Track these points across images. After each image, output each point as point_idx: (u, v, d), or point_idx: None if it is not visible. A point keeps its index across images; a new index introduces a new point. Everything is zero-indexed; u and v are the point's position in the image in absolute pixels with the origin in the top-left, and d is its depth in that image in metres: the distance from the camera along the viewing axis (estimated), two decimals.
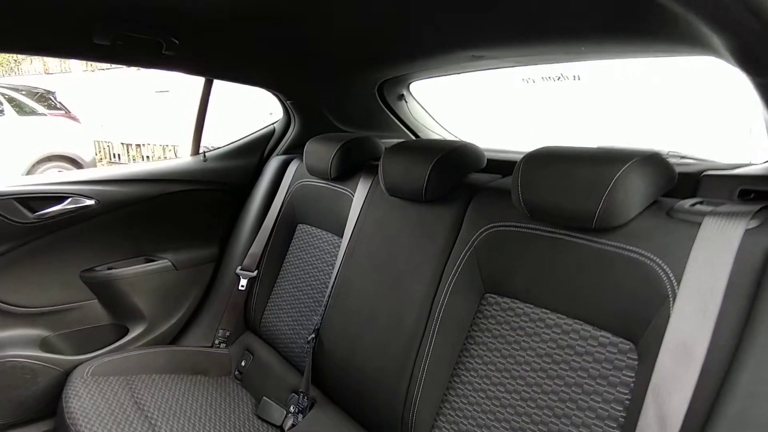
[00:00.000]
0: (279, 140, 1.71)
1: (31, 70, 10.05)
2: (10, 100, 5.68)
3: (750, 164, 0.97)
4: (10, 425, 1.31)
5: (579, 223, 0.78)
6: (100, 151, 8.51)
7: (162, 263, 1.51)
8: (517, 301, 0.89)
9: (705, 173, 0.86)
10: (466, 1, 0.88)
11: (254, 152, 1.69)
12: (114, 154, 8.74)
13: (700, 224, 0.69)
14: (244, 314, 1.54)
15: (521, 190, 0.83)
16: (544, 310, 0.85)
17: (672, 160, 1.05)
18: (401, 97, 1.72)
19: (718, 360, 0.61)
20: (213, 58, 1.36)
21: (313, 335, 1.24)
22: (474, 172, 1.13)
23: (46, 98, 6.08)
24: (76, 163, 6.01)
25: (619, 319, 0.75)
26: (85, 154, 6.14)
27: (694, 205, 0.74)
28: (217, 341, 1.52)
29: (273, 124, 1.74)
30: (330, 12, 1.02)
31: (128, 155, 8.55)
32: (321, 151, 1.36)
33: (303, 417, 1.18)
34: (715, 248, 0.65)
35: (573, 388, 0.78)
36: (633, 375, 0.72)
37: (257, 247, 1.52)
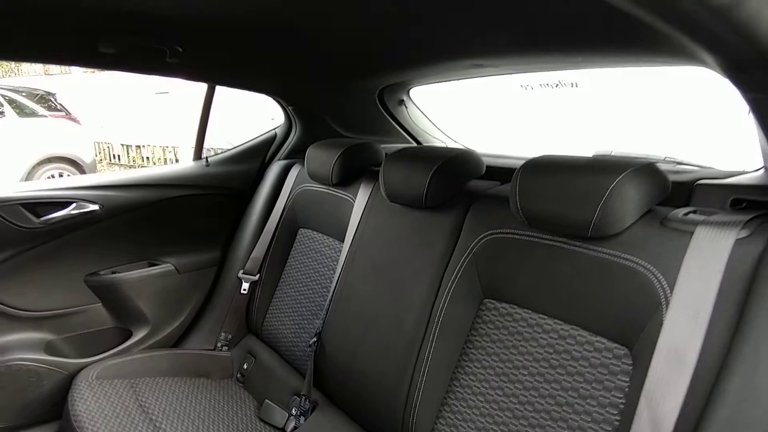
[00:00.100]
0: (280, 145, 1.73)
1: (31, 71, 10.06)
2: (11, 102, 5.70)
3: (743, 172, 1.00)
4: (15, 428, 1.33)
5: (575, 232, 0.80)
6: (100, 152, 8.52)
7: (165, 267, 1.53)
8: (516, 307, 0.91)
9: (698, 182, 0.88)
10: (466, 11, 0.90)
11: (256, 157, 1.71)
12: (114, 155, 8.75)
13: (692, 233, 0.71)
14: (246, 317, 1.56)
15: (519, 199, 0.85)
16: (541, 315, 0.87)
17: (666, 167, 1.07)
18: (401, 102, 1.74)
19: (708, 366, 0.63)
20: (215, 65, 1.38)
21: (314, 339, 1.26)
22: (473, 179, 1.14)
23: (46, 100, 6.10)
24: (76, 164, 6.03)
25: (614, 325, 0.77)
26: (85, 156, 6.16)
27: (687, 214, 0.76)
28: (219, 344, 1.54)
29: (274, 129, 1.76)
30: (330, 20, 1.04)
31: (128, 156, 8.56)
32: (322, 157, 1.38)
33: (305, 420, 1.20)
34: (707, 257, 0.67)
35: (569, 392, 0.80)
36: (627, 380, 0.74)
37: (259, 251, 1.54)
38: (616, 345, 0.77)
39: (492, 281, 0.95)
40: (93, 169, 6.32)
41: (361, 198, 1.30)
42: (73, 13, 0.96)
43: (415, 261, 1.08)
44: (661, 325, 0.69)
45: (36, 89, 6.21)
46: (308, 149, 1.43)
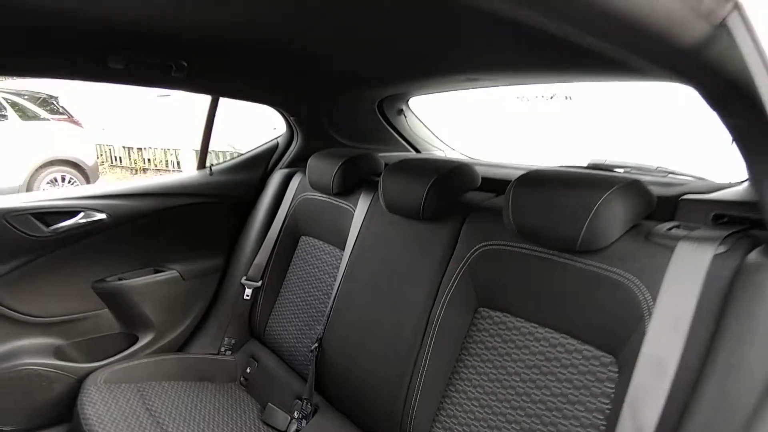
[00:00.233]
0: (282, 154, 1.77)
1: None
2: (13, 105, 5.75)
3: (729, 185, 1.04)
4: (25, 430, 1.36)
5: (564, 245, 0.84)
6: (101, 155, 8.56)
7: (170, 274, 1.57)
8: (509, 316, 0.95)
9: (683, 197, 0.92)
10: (461, 34, 0.94)
11: (258, 166, 1.75)
12: (115, 158, 8.80)
13: (674, 248, 0.75)
14: (249, 323, 1.60)
15: (512, 212, 0.89)
16: (533, 324, 0.91)
17: (654, 178, 1.12)
18: (401, 112, 1.79)
19: (687, 374, 0.67)
20: (219, 78, 1.43)
21: (316, 344, 1.30)
22: (469, 191, 1.18)
23: (48, 103, 6.15)
24: (78, 167, 6.08)
25: (601, 335, 0.81)
26: (87, 158, 6.21)
27: (670, 229, 0.80)
28: (223, 349, 1.58)
29: (276, 138, 1.80)
30: (331, 36, 1.08)
31: (129, 159, 8.61)
32: (323, 167, 1.42)
33: (307, 423, 1.24)
34: (687, 271, 0.71)
35: (559, 398, 0.84)
36: (613, 387, 0.78)
37: (262, 258, 1.58)
38: (603, 353, 0.81)
39: (486, 291, 0.99)
40: (95, 171, 6.36)
41: (361, 207, 1.34)
42: (87, 31, 1.00)
43: (413, 270, 1.12)
44: (644, 335, 0.73)
45: (38, 92, 6.25)
46: (309, 159, 1.47)
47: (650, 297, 0.74)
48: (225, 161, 1.75)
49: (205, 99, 1.64)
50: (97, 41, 1.06)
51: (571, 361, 0.84)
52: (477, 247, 1.01)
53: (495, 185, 1.20)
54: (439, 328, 1.03)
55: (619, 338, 0.78)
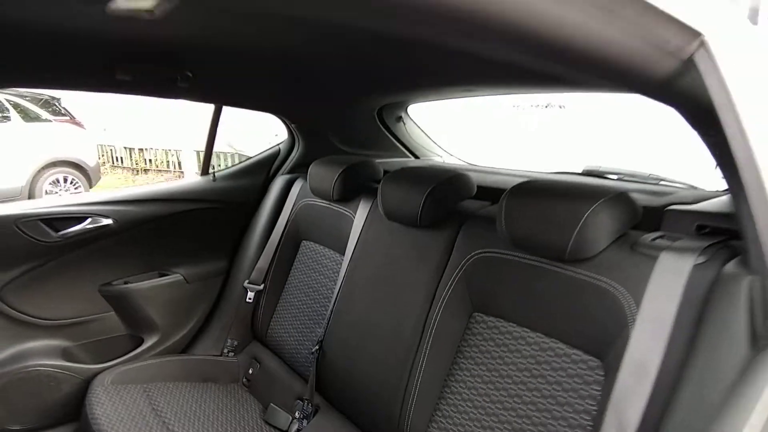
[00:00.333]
0: (284, 160, 1.81)
1: None
2: (16, 106, 5.79)
3: (715, 193, 1.08)
4: (34, 429, 1.41)
5: (554, 254, 0.88)
6: (103, 155, 8.60)
7: (174, 277, 1.61)
8: (502, 320, 0.99)
9: (668, 208, 0.96)
10: (456, 50, 0.98)
11: (260, 172, 1.79)
12: (116, 158, 8.84)
13: (657, 258, 0.79)
14: (251, 325, 1.64)
15: (505, 222, 0.93)
16: (524, 329, 0.95)
17: (643, 187, 1.16)
18: (400, 119, 1.83)
19: (667, 378, 0.71)
20: (222, 88, 1.47)
21: (317, 346, 1.34)
22: (465, 199, 1.22)
23: (50, 104, 6.19)
24: (80, 168, 6.12)
25: (588, 339, 0.85)
26: (89, 159, 6.25)
27: (654, 239, 0.84)
28: (225, 350, 1.62)
29: (278, 145, 1.84)
30: (331, 47, 1.12)
31: (131, 159, 8.64)
32: (324, 174, 1.46)
33: (308, 423, 1.28)
34: (668, 280, 0.75)
35: (548, 400, 0.88)
36: (600, 389, 0.82)
37: (264, 261, 1.62)
38: (590, 357, 0.85)
39: (481, 296, 1.03)
40: (96, 172, 6.41)
41: (360, 214, 1.38)
42: (97, 47, 1.05)
43: (411, 276, 1.16)
44: (628, 340, 0.77)
45: (40, 94, 6.29)
46: (310, 166, 1.51)
47: (634, 304, 0.79)
48: (228, 167, 1.79)
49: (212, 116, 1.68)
50: (106, 56, 1.11)
51: (560, 365, 0.88)
52: (472, 254, 1.05)
53: (490, 193, 1.24)
54: (436, 332, 1.07)
55: (605, 343, 0.82)
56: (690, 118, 0.67)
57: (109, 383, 1.35)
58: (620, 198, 0.87)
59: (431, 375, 1.06)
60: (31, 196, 5.62)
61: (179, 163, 8.08)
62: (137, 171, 8.57)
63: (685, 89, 0.53)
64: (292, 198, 1.64)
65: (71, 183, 6.04)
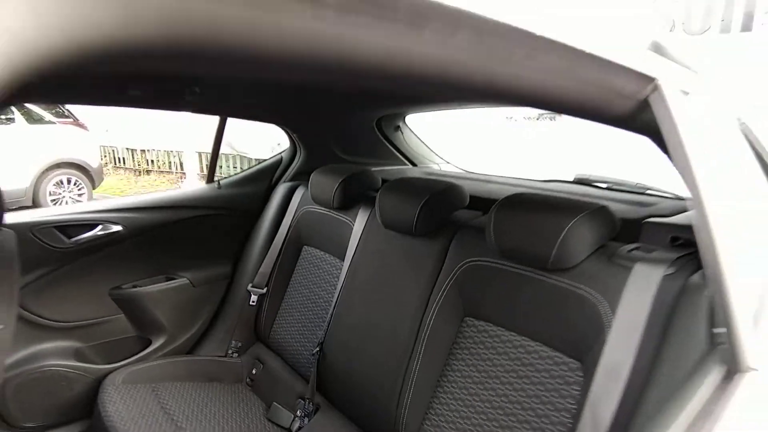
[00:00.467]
0: (286, 168, 1.88)
1: None
2: (20, 108, 5.85)
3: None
4: (47, 426, 1.47)
5: (538, 264, 0.95)
6: (105, 156, 8.68)
7: (181, 281, 1.67)
8: (491, 325, 1.06)
9: (645, 221, 1.03)
10: None
11: (263, 179, 1.86)
12: (119, 159, 8.91)
13: (632, 269, 0.86)
14: (254, 327, 1.71)
15: (493, 233, 1.00)
16: (511, 333, 1.02)
17: (625, 196, 1.22)
18: (398, 128, 1.89)
19: (638, 380, 0.78)
20: (227, 101, 1.53)
21: (317, 348, 1.41)
22: (458, 209, 1.29)
23: (54, 106, 6.25)
24: (83, 169, 6.18)
25: (569, 343, 0.92)
26: (92, 161, 6.31)
27: (631, 251, 0.91)
28: (230, 351, 1.69)
29: (281, 153, 1.91)
30: (333, 68, 1.18)
31: (133, 160, 8.72)
32: (325, 183, 1.53)
33: (309, 421, 1.35)
34: (640, 290, 0.82)
35: (533, 399, 0.95)
36: (579, 389, 0.89)
37: (267, 266, 1.69)
38: (571, 360, 0.92)
39: (471, 302, 1.10)
40: (99, 174, 6.47)
41: (359, 222, 1.45)
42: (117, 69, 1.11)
43: (406, 281, 1.23)
44: (604, 344, 0.83)
45: None
46: (312, 175, 1.58)
47: (610, 311, 0.85)
48: (231, 176, 1.85)
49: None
50: (123, 75, 1.17)
51: (543, 367, 0.95)
52: (464, 262, 1.12)
53: (482, 203, 1.31)
54: (429, 335, 1.13)
55: (584, 347, 0.89)
56: (658, 145, 0.73)
57: (120, 383, 1.42)
58: (600, 212, 0.93)
59: (425, 375, 1.13)
60: (35, 198, 5.69)
61: (181, 164, 8.14)
62: (139, 172, 8.64)
63: (646, 123, 0.60)
64: (293, 205, 1.71)
65: (74, 184, 6.11)
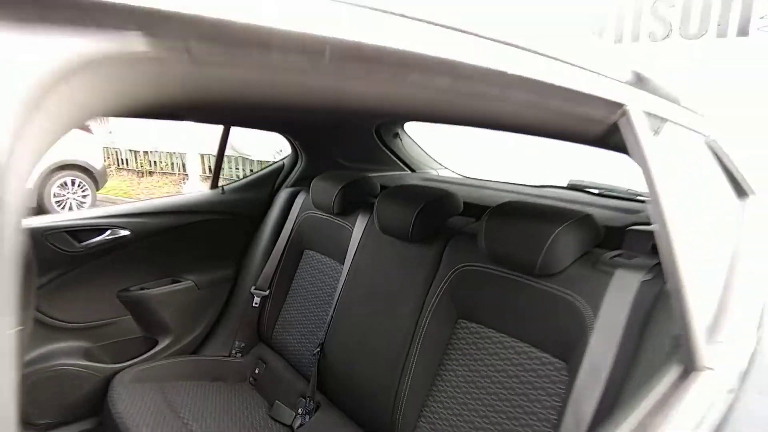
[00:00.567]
0: (288, 174, 1.94)
1: None
2: None
3: None
4: (57, 424, 1.53)
5: (526, 269, 1.01)
6: (108, 158, 8.74)
7: (186, 283, 1.73)
8: (483, 327, 1.12)
9: (629, 228, 1.08)
10: None
11: (266, 185, 1.92)
12: (122, 160, 8.98)
13: (613, 274, 0.91)
14: (257, 328, 1.77)
15: (485, 240, 1.05)
16: (502, 334, 1.08)
17: (615, 203, 1.27)
18: (396, 135, 1.95)
19: (617, 378, 0.83)
20: (230, 109, 1.59)
21: (318, 349, 1.47)
22: (452, 215, 1.35)
23: None
24: (87, 171, 6.24)
25: (555, 344, 0.98)
26: (96, 162, 6.37)
27: (613, 257, 0.97)
28: (233, 351, 1.75)
29: (282, 160, 1.97)
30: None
31: (136, 162, 8.78)
32: (325, 189, 1.58)
33: (310, 418, 1.40)
34: (620, 294, 0.88)
35: (521, 397, 1.00)
36: (564, 387, 0.94)
37: (269, 269, 1.75)
38: (557, 360, 0.97)
39: (464, 305, 1.15)
40: (103, 175, 6.53)
41: (358, 227, 1.50)
42: None
43: (403, 285, 1.29)
44: (587, 345, 0.89)
45: None
46: (312, 182, 1.64)
47: (593, 315, 0.91)
48: (235, 181, 1.91)
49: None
50: None
51: (531, 366, 1.01)
52: (457, 267, 1.17)
53: (475, 210, 1.36)
54: (425, 336, 1.19)
55: (569, 348, 0.94)
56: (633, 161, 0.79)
57: (128, 381, 1.47)
58: (584, 220, 0.99)
59: (421, 375, 1.18)
60: (39, 200, 5.76)
61: (183, 166, 8.20)
62: (142, 173, 8.71)
63: (618, 143, 0.66)
64: (295, 210, 1.76)
65: (78, 186, 6.17)
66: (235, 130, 1.80)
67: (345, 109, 0.40)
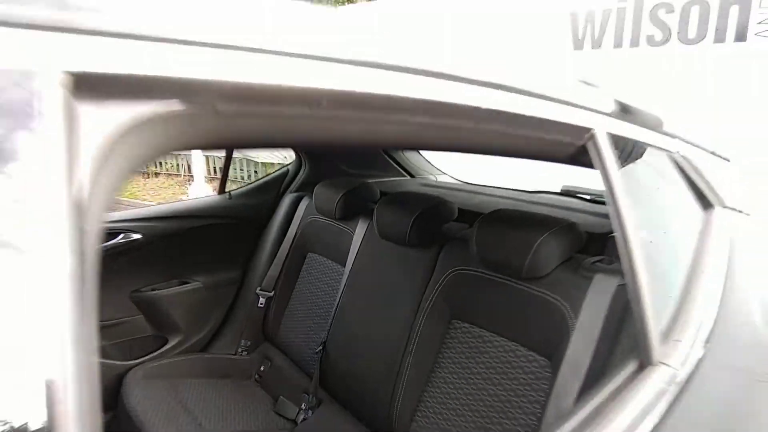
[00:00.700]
0: (292, 180, 2.02)
1: None
2: None
3: None
4: None
5: (514, 273, 1.08)
6: None
7: (195, 285, 1.81)
8: (475, 327, 1.19)
9: (611, 234, 1.15)
10: None
11: (271, 190, 1.99)
12: None
13: (593, 279, 0.98)
14: (262, 327, 1.85)
15: (476, 246, 1.13)
16: (492, 334, 1.15)
17: (601, 209, 1.34)
18: None
19: (594, 375, 0.90)
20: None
21: (320, 347, 1.54)
22: (448, 221, 1.42)
23: None
24: None
25: (540, 343, 1.05)
26: None
27: (594, 262, 1.04)
28: (240, 350, 1.83)
29: (287, 165, 2.04)
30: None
31: None
32: (328, 195, 1.66)
33: (312, 413, 1.48)
34: (598, 297, 0.95)
35: (509, 392, 1.08)
36: (547, 383, 1.02)
37: (274, 271, 1.83)
38: (541, 358, 1.05)
39: (458, 306, 1.23)
40: None
41: (359, 232, 1.58)
42: None
43: (400, 288, 1.36)
44: (568, 344, 0.96)
45: None
46: (315, 188, 1.71)
47: (574, 316, 0.98)
48: (241, 186, 1.99)
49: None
50: None
51: (518, 364, 1.08)
52: (450, 270, 1.24)
53: (469, 216, 1.43)
54: (420, 336, 1.26)
55: (553, 347, 1.01)
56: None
57: (141, 378, 1.55)
58: (567, 228, 1.06)
59: (416, 372, 1.26)
60: None
61: (189, 167, 8.30)
62: (148, 175, 8.81)
63: (588, 162, 0.73)
64: (299, 215, 1.84)
65: None
66: None
67: (339, 144, 0.47)
